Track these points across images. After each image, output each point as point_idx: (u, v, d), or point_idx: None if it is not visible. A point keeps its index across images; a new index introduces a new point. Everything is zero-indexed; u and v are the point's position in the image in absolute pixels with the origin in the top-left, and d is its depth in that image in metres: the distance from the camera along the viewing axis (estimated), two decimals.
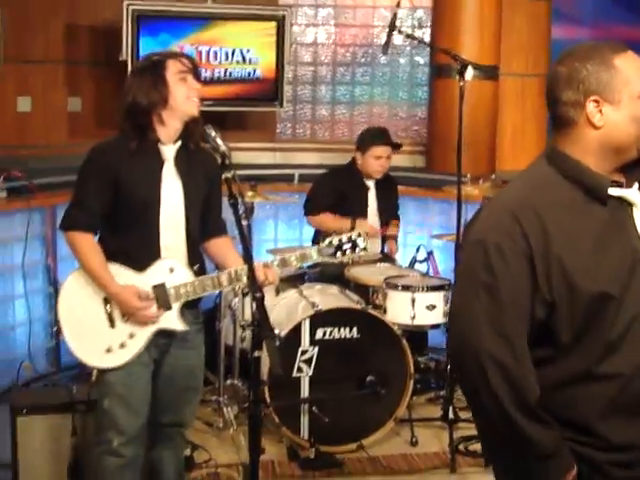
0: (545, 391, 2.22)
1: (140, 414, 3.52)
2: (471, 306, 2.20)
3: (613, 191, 2.20)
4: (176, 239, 3.49)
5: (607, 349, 2.17)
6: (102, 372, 3.53)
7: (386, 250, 5.95)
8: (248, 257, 2.68)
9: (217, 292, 5.17)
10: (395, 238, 6.06)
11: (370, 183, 5.94)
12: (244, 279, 3.42)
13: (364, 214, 5.81)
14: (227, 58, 6.70)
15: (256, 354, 2.59)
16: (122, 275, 3.45)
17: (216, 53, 6.68)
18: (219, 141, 3.00)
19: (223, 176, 2.86)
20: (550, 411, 2.23)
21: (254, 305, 2.56)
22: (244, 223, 2.70)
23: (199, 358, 3.71)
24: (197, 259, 3.58)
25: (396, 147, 5.97)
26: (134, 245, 3.46)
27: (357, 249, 3.73)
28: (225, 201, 3.06)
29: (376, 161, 5.82)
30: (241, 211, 2.74)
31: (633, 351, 2.17)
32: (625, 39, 7.62)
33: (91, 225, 3.47)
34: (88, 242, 3.46)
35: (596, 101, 2.19)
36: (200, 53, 6.63)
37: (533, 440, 2.19)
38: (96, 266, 3.44)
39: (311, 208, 5.84)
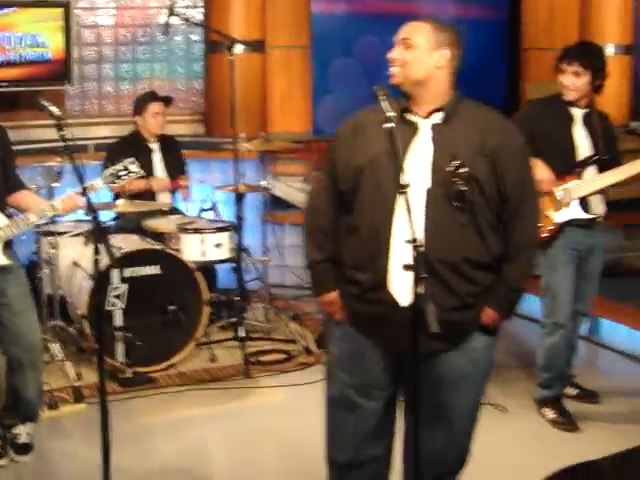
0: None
1: None
2: None
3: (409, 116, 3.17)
4: None
5: (360, 208, 3.18)
6: None
7: (181, 197, 6.77)
8: (89, 204, 3.56)
9: (35, 248, 5.95)
10: (186, 187, 6.83)
11: (154, 146, 6.75)
12: (47, 213, 4.31)
13: (151, 173, 6.57)
14: (20, 42, 7.28)
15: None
16: None
17: (10, 38, 7.23)
18: (53, 109, 3.81)
19: (59, 134, 3.68)
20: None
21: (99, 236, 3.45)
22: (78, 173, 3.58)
23: (25, 285, 4.44)
24: (5, 208, 4.35)
25: (167, 101, 6.84)
26: None
27: (132, 173, 4.57)
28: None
29: (154, 118, 6.67)
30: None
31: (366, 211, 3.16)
32: (380, 12, 8.58)
33: None
34: None
35: None
36: None
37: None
38: None
39: None
